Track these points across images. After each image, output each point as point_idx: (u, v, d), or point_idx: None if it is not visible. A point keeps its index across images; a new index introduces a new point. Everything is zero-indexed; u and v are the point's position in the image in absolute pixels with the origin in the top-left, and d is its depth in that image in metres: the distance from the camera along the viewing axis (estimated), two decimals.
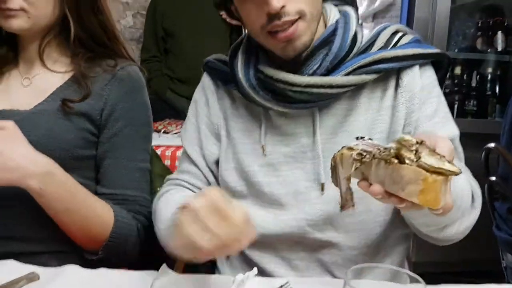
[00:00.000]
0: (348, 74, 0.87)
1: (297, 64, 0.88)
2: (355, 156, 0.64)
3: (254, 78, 0.91)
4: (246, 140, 0.96)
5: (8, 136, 0.85)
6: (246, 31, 0.95)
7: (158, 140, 1.93)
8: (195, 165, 1.00)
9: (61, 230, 0.93)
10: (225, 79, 0.99)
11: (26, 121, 0.92)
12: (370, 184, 0.63)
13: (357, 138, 0.68)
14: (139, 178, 1.01)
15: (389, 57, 0.87)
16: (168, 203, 0.91)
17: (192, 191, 0.99)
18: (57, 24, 0.99)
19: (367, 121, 0.91)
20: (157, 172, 1.11)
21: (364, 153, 0.63)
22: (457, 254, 2.55)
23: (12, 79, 1.01)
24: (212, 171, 1.01)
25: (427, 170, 0.58)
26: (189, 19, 2.73)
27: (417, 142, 0.60)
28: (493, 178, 1.73)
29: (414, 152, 0.59)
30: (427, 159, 0.58)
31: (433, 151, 0.60)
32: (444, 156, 0.59)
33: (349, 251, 0.92)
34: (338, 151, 0.67)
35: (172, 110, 2.76)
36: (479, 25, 2.81)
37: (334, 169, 0.69)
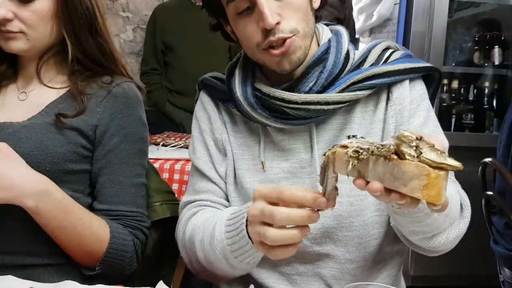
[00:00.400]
0: (342, 90, 0.89)
1: (293, 81, 0.91)
2: (351, 153, 0.62)
3: (252, 96, 0.92)
4: (246, 156, 0.98)
5: (3, 155, 0.86)
6: (242, 50, 0.97)
7: (156, 153, 1.93)
8: (212, 182, 1.00)
9: (56, 244, 0.94)
10: (222, 98, 1.00)
11: (17, 134, 0.93)
12: (367, 182, 0.62)
13: (348, 137, 0.68)
14: (135, 193, 1.01)
15: (381, 73, 0.90)
16: (205, 225, 0.89)
17: (217, 209, 0.99)
18: (56, 44, 1.01)
19: (362, 134, 0.91)
20: (153, 187, 1.11)
21: (361, 150, 0.62)
22: (455, 268, 2.54)
23: (9, 93, 1.02)
24: (226, 184, 1.01)
25: (429, 166, 0.57)
26: (188, 33, 2.77)
27: (416, 138, 0.59)
28: (490, 193, 1.74)
29: (414, 148, 0.58)
30: (429, 154, 0.58)
31: (433, 147, 0.59)
32: (444, 152, 0.59)
33: (347, 264, 0.92)
34: (329, 149, 0.67)
35: (171, 122, 2.77)
36: (476, 39, 2.83)
37: (324, 167, 0.68)
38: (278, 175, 0.95)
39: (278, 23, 0.83)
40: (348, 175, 0.64)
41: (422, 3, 2.52)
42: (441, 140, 0.63)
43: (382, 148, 0.60)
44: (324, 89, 0.89)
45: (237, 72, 0.97)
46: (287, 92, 0.89)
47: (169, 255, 1.14)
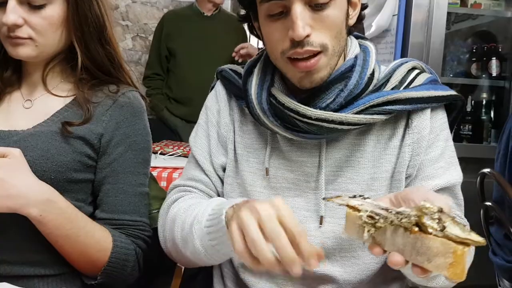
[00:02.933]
0: (360, 112, 0.85)
1: (311, 94, 0.87)
2: (366, 219, 0.60)
3: (266, 102, 0.89)
4: (251, 159, 0.96)
5: (12, 163, 0.85)
6: (265, 50, 0.93)
7: (154, 161, 1.93)
8: (205, 173, 0.98)
9: (56, 254, 0.93)
10: (237, 94, 0.97)
11: (23, 142, 0.93)
12: (384, 251, 0.59)
13: (354, 196, 0.65)
14: (138, 202, 1.01)
15: (403, 99, 0.86)
16: (189, 209, 0.87)
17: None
18: (62, 52, 1.00)
19: (374, 159, 0.90)
20: (152, 194, 1.10)
21: (377, 217, 0.59)
22: None
23: (14, 100, 1.02)
24: (220, 179, 0.99)
25: (453, 241, 0.54)
26: (192, 42, 2.79)
27: (438, 210, 0.56)
28: (489, 203, 1.74)
29: (437, 221, 0.55)
30: (453, 229, 0.55)
31: (454, 220, 0.56)
32: (465, 225, 0.57)
33: (345, 286, 0.91)
34: (331, 197, 0.64)
35: (169, 130, 2.77)
36: (474, 51, 2.84)
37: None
38: (281, 185, 0.93)
39: (308, 36, 0.80)
40: (363, 242, 0.61)
41: (420, 15, 2.54)
42: (447, 204, 0.61)
43: (401, 218, 0.57)
44: (341, 108, 0.86)
45: (255, 73, 0.93)
46: (303, 106, 0.85)
47: (166, 263, 1.13)
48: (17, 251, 0.93)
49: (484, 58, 2.78)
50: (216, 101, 1.01)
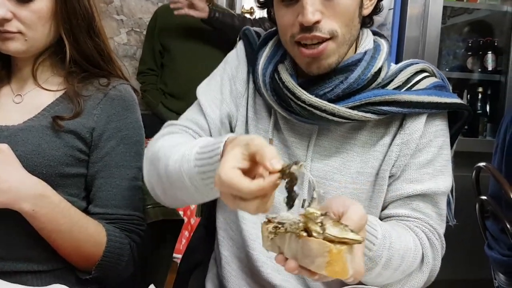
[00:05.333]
0: (355, 107, 0.85)
1: (312, 79, 0.88)
2: (271, 229, 0.63)
3: (269, 76, 0.90)
4: (260, 125, 0.96)
5: (2, 158, 0.85)
6: None
7: None
8: (206, 118, 0.95)
9: (50, 250, 0.92)
10: (251, 59, 0.97)
11: (14, 137, 0.92)
12: (286, 258, 0.62)
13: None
14: (132, 196, 1.00)
15: (401, 101, 0.86)
16: (178, 145, 0.81)
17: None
18: (52, 45, 0.99)
19: (363, 154, 0.91)
20: (146, 189, 1.09)
21: (279, 226, 0.63)
22: (448, 274, 2.53)
23: (3, 96, 1.01)
24: (219, 130, 0.96)
25: (332, 241, 0.58)
26: (186, 36, 2.77)
27: (321, 214, 0.60)
28: (484, 197, 1.74)
29: (319, 224, 0.59)
30: (331, 230, 0.58)
31: (337, 221, 0.60)
32: (347, 225, 0.59)
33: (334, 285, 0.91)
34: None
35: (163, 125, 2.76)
36: (469, 45, 2.84)
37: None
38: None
39: (318, 22, 0.80)
40: (266, 249, 0.65)
41: (416, 9, 2.53)
42: (359, 212, 0.63)
43: (293, 225, 0.61)
44: (337, 99, 0.86)
45: (269, 45, 0.94)
46: (300, 89, 0.86)
47: (161, 258, 1.13)
48: (10, 247, 0.92)
49: (480, 52, 2.78)
50: (237, 57, 1.00)
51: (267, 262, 0.93)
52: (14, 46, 0.93)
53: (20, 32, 0.92)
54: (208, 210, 1.15)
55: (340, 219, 0.62)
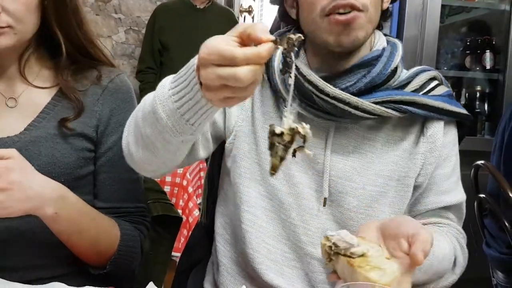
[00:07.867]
0: (377, 103, 0.86)
1: (332, 74, 0.88)
2: (327, 248, 0.69)
3: None
4: (266, 126, 0.93)
5: (18, 165, 0.81)
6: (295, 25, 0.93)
7: None
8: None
9: (57, 257, 0.92)
10: None
11: (24, 151, 0.88)
12: (338, 277, 0.68)
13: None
14: (136, 189, 1.00)
15: (420, 103, 0.88)
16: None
17: None
18: (35, 37, 0.95)
19: (382, 156, 0.91)
20: (147, 186, 1.09)
21: (335, 248, 0.68)
22: None
23: None
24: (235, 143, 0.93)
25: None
26: (185, 34, 2.78)
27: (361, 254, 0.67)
28: (483, 195, 1.74)
29: (366, 263, 0.66)
30: (371, 274, 0.64)
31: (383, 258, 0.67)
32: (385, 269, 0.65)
33: None
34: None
35: None
36: (468, 43, 2.84)
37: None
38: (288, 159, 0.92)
39: None
40: (324, 267, 0.74)
41: (414, 8, 2.53)
42: (426, 242, 0.69)
43: (347, 250, 0.67)
44: (359, 94, 0.86)
45: None
46: (323, 81, 0.85)
47: (160, 255, 1.13)
48: (22, 257, 0.91)
49: (478, 51, 2.78)
50: None
51: (271, 266, 0.92)
52: (4, 41, 0.88)
53: (9, 26, 0.87)
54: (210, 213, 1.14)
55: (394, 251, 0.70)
